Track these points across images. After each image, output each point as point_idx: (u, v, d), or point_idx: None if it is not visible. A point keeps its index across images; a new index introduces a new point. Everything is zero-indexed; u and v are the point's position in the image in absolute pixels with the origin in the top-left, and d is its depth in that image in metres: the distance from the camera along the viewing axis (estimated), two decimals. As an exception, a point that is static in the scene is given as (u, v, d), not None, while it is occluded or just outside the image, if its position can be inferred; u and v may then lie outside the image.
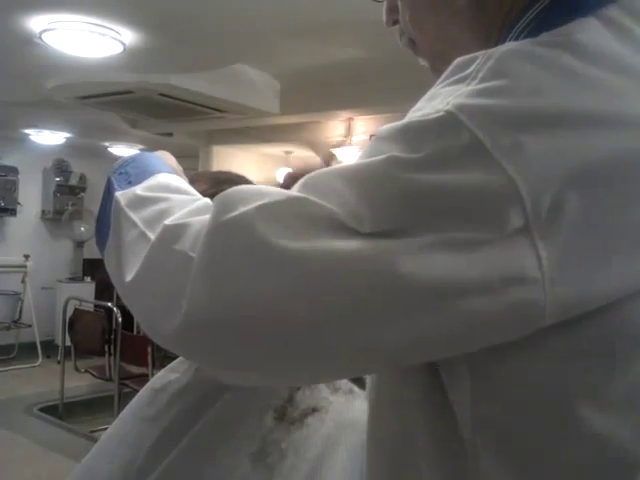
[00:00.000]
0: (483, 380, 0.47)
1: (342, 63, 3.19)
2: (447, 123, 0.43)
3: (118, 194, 0.64)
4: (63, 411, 4.58)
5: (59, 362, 4.94)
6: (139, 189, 0.63)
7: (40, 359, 6.06)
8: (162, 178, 0.65)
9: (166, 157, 0.74)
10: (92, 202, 6.76)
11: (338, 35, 2.83)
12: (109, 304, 4.67)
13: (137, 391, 0.94)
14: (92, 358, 4.76)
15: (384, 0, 0.65)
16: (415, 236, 0.42)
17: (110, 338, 4.38)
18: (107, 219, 0.64)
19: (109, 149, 6.36)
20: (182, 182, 0.66)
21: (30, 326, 6.20)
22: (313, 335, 0.45)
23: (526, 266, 0.41)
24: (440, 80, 0.48)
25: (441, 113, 0.44)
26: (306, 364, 0.47)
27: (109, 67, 3.34)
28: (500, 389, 0.47)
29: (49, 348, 6.24)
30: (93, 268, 6.61)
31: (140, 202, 0.61)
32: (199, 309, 0.47)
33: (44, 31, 2.79)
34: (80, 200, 6.93)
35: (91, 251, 6.71)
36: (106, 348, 4.39)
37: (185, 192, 0.63)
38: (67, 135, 5.85)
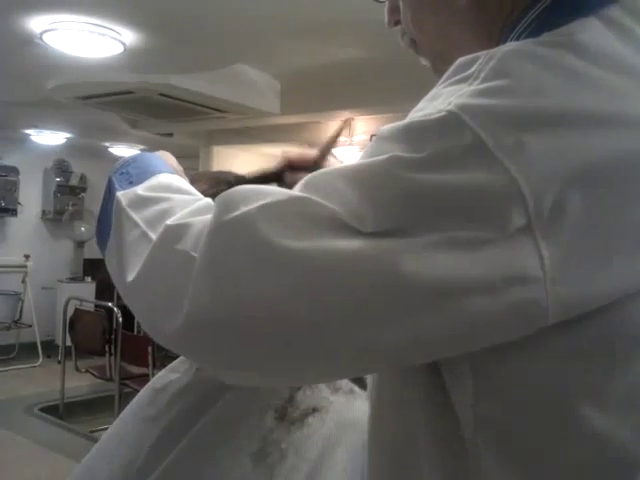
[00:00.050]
0: (484, 380, 0.47)
1: (342, 63, 3.19)
2: (449, 123, 0.43)
3: (119, 194, 0.64)
4: (63, 411, 4.58)
5: (59, 362, 4.94)
6: (140, 189, 0.63)
7: (40, 359, 6.06)
8: (163, 178, 0.65)
9: (167, 157, 0.74)
10: (92, 202, 6.76)
11: (338, 35, 2.83)
12: (110, 304, 4.67)
13: (137, 391, 0.94)
14: (92, 358, 4.76)
15: (386, 0, 0.65)
16: (417, 236, 0.42)
17: (111, 338, 4.38)
18: (108, 219, 0.64)
19: (109, 149, 6.36)
20: (183, 182, 0.66)
21: (30, 326, 6.20)
22: (315, 335, 0.45)
23: (528, 266, 0.41)
24: (442, 80, 0.49)
25: (443, 113, 0.44)
26: (308, 364, 0.47)
27: (109, 67, 3.34)
28: (501, 389, 0.47)
29: (49, 348, 6.24)
30: (94, 268, 6.61)
31: (141, 202, 0.61)
32: (201, 309, 0.47)
33: (45, 31, 2.79)
34: (80, 200, 6.93)
35: (91, 251, 6.71)
36: (106, 348, 4.40)
37: (186, 192, 0.63)
38: (67, 135, 5.85)
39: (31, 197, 6.62)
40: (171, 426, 0.83)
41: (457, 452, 0.49)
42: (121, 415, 0.91)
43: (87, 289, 6.52)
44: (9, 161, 6.32)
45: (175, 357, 0.91)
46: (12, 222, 6.50)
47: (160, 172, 0.66)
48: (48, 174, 6.80)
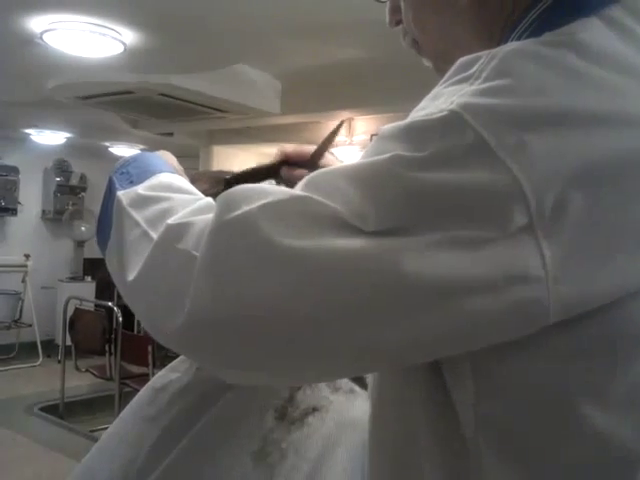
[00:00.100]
0: (485, 379, 0.47)
1: (342, 63, 3.19)
2: (451, 122, 0.43)
3: (120, 193, 0.64)
4: (64, 410, 4.58)
5: (59, 361, 4.94)
6: (141, 188, 0.63)
7: (40, 359, 6.06)
8: (164, 178, 0.65)
9: (167, 157, 0.74)
10: (92, 202, 6.76)
11: (338, 35, 2.83)
12: (110, 304, 4.67)
13: (138, 390, 0.94)
14: (93, 358, 4.76)
15: (387, 1, 0.65)
16: (419, 235, 0.42)
17: (111, 337, 4.38)
18: (109, 219, 0.64)
19: (110, 149, 6.36)
20: (184, 182, 0.66)
21: (30, 325, 6.20)
22: (316, 334, 0.45)
23: (530, 265, 0.41)
24: (443, 80, 0.49)
25: (445, 112, 0.44)
26: (309, 363, 0.47)
27: (110, 67, 3.34)
28: (502, 388, 0.47)
29: (49, 348, 6.24)
30: (94, 268, 6.61)
31: (142, 201, 0.61)
32: (202, 308, 0.47)
33: (45, 31, 2.79)
34: (80, 200, 6.93)
35: (92, 251, 6.71)
36: (107, 348, 4.40)
37: (187, 191, 0.63)
38: (68, 135, 5.85)
39: (31, 197, 6.63)
40: (171, 426, 0.83)
41: (458, 451, 0.49)
42: (121, 415, 0.91)
43: (87, 289, 6.52)
44: (9, 161, 6.32)
45: (175, 356, 0.91)
46: (12, 222, 6.50)
47: (161, 172, 0.66)
48: (48, 174, 6.80)
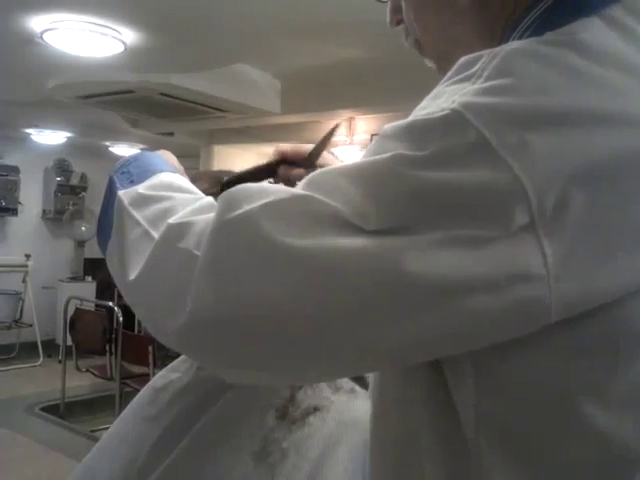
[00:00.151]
0: (486, 378, 0.47)
1: (343, 63, 3.19)
2: (453, 121, 0.43)
3: (121, 193, 0.64)
4: (64, 410, 4.58)
5: (60, 361, 4.94)
6: (142, 188, 0.63)
7: (41, 359, 6.06)
8: (165, 177, 0.65)
9: (167, 156, 0.74)
10: (93, 202, 6.76)
11: (338, 35, 2.83)
12: (110, 303, 4.67)
13: (138, 390, 0.94)
14: (93, 357, 4.77)
15: (388, 0, 0.65)
16: (420, 233, 0.42)
17: (111, 337, 4.38)
18: (109, 218, 0.64)
19: (110, 149, 6.37)
20: (185, 181, 0.66)
21: (31, 325, 6.20)
22: (318, 333, 0.45)
23: (531, 263, 0.41)
24: (445, 79, 0.49)
25: (447, 111, 0.44)
26: (311, 362, 0.47)
27: (110, 67, 3.34)
28: (503, 387, 0.47)
29: (50, 348, 6.24)
30: (94, 267, 6.61)
31: (143, 201, 0.61)
32: (204, 307, 0.47)
33: (45, 31, 2.79)
34: (81, 200, 6.93)
35: (92, 250, 6.71)
36: (107, 347, 4.40)
37: (188, 191, 0.63)
38: (68, 135, 5.85)
39: (32, 196, 6.63)
40: (172, 425, 0.83)
41: (459, 451, 0.49)
42: (122, 414, 0.91)
43: (88, 288, 6.52)
44: (10, 160, 6.32)
45: (176, 356, 0.91)
46: (13, 221, 6.51)
47: (161, 171, 0.66)
48: (49, 173, 6.80)
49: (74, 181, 6.89)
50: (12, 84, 3.97)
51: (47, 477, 3.29)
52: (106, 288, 6.12)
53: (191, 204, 0.57)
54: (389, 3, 0.65)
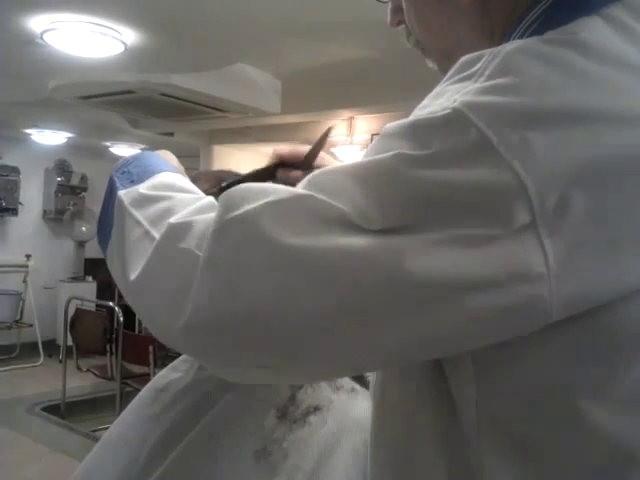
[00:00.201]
0: (487, 378, 0.47)
1: (343, 62, 3.19)
2: (455, 120, 0.43)
3: (121, 193, 0.64)
4: (65, 410, 4.59)
5: (61, 361, 4.94)
6: (142, 188, 0.63)
7: (42, 359, 6.06)
8: (165, 177, 0.65)
9: (168, 156, 0.74)
10: (93, 202, 6.76)
11: (339, 35, 2.83)
12: (110, 303, 4.68)
13: (139, 390, 0.94)
14: (94, 357, 4.77)
15: (388, 1, 0.65)
16: (422, 233, 0.42)
17: (112, 337, 4.38)
18: (110, 218, 0.64)
19: (110, 149, 6.37)
20: (185, 181, 0.66)
21: (32, 326, 6.20)
22: (320, 333, 0.45)
23: (532, 262, 0.41)
24: (446, 78, 0.48)
25: (448, 110, 0.44)
26: (312, 362, 0.47)
27: (110, 67, 3.34)
28: (504, 387, 0.47)
29: (51, 348, 6.24)
30: (94, 268, 6.62)
31: (144, 201, 0.61)
32: (205, 307, 0.47)
33: (45, 31, 2.79)
34: (81, 200, 6.93)
35: (92, 251, 6.71)
36: (108, 347, 4.40)
37: (189, 191, 0.63)
38: (68, 135, 5.85)
39: (32, 197, 6.63)
40: (173, 425, 0.83)
41: (460, 451, 0.49)
42: (122, 415, 0.91)
43: (88, 289, 6.52)
44: (10, 161, 6.32)
45: (176, 356, 0.91)
46: (13, 222, 6.51)
47: (162, 171, 0.66)
48: (49, 174, 6.80)
49: (74, 181, 6.89)
50: (12, 84, 3.97)
51: (48, 477, 3.29)
52: (106, 288, 6.13)
53: (192, 204, 0.57)
54: (390, 3, 0.65)
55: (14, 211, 6.36)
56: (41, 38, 2.87)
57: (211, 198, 0.59)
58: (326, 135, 0.83)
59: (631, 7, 0.49)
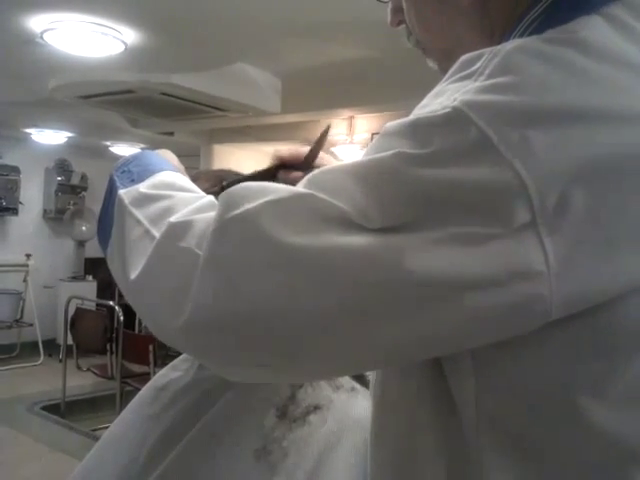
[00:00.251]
0: (487, 377, 0.47)
1: (343, 62, 3.19)
2: (455, 119, 0.43)
3: (121, 192, 0.64)
4: (65, 409, 4.59)
5: (61, 361, 4.94)
6: (143, 187, 0.63)
7: (42, 358, 6.07)
8: (165, 176, 0.65)
9: (168, 155, 0.74)
10: (93, 201, 6.77)
11: (338, 34, 2.83)
12: (111, 303, 4.68)
13: (139, 389, 0.94)
14: (94, 357, 4.77)
15: (389, 1, 0.65)
16: (422, 231, 0.42)
17: (112, 337, 4.39)
18: (110, 217, 0.64)
19: (110, 148, 6.37)
20: (185, 180, 0.66)
21: (32, 325, 6.21)
22: (319, 332, 0.45)
23: (532, 261, 0.41)
24: (446, 77, 0.49)
25: (448, 109, 0.44)
26: (312, 361, 0.47)
27: (110, 66, 3.34)
28: (504, 386, 0.47)
29: (51, 347, 6.25)
30: (95, 267, 6.62)
31: (144, 200, 0.61)
32: (205, 306, 0.47)
33: (45, 31, 2.79)
34: (81, 199, 6.94)
35: (93, 250, 6.71)
36: (108, 347, 4.41)
37: (189, 190, 0.63)
38: (68, 134, 5.85)
39: (32, 196, 6.63)
40: (173, 424, 0.83)
41: (460, 450, 0.49)
42: (122, 414, 0.91)
43: (88, 288, 6.52)
44: (10, 160, 6.32)
45: (176, 355, 0.91)
46: (13, 221, 6.51)
47: (162, 170, 0.66)
48: (49, 173, 6.80)
49: (75, 181, 6.89)
50: (12, 84, 3.97)
51: (48, 476, 3.29)
52: (107, 287, 6.13)
53: (192, 203, 0.57)
54: (390, 3, 0.65)
55: (14, 210, 6.36)
56: (41, 38, 2.87)
57: (211, 197, 0.59)
58: (325, 134, 0.83)
59: (631, 6, 0.49)
